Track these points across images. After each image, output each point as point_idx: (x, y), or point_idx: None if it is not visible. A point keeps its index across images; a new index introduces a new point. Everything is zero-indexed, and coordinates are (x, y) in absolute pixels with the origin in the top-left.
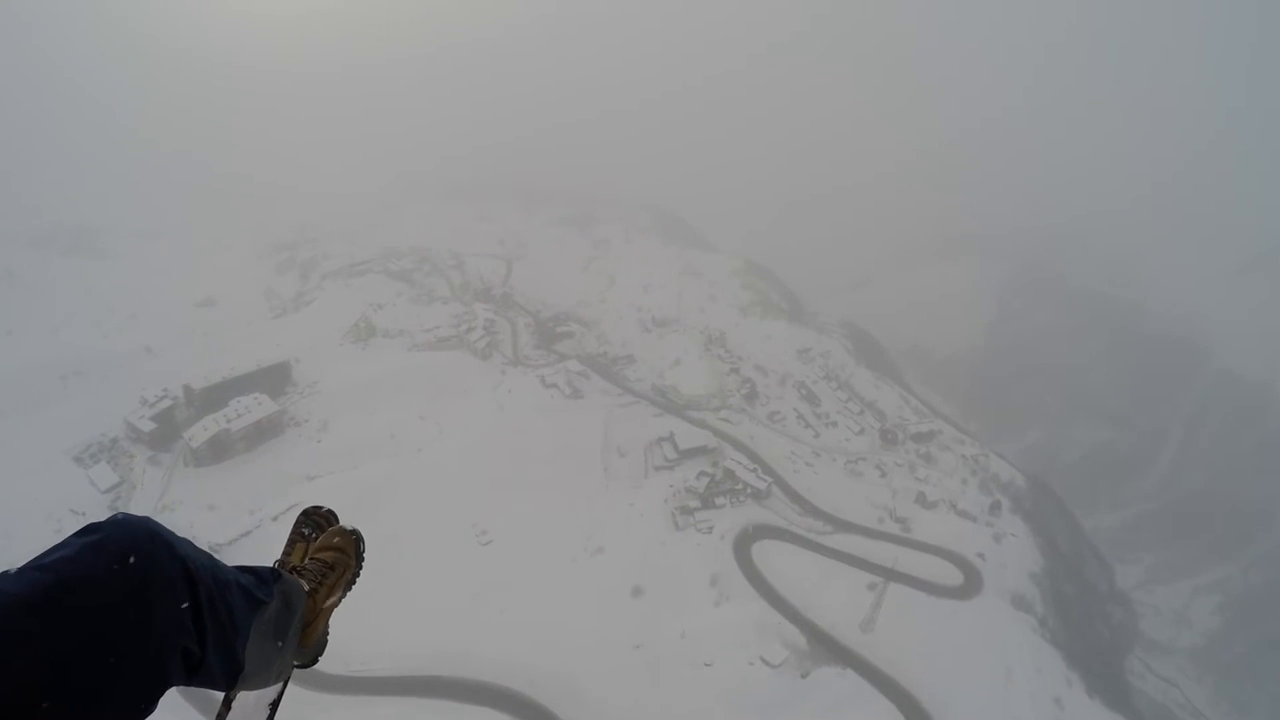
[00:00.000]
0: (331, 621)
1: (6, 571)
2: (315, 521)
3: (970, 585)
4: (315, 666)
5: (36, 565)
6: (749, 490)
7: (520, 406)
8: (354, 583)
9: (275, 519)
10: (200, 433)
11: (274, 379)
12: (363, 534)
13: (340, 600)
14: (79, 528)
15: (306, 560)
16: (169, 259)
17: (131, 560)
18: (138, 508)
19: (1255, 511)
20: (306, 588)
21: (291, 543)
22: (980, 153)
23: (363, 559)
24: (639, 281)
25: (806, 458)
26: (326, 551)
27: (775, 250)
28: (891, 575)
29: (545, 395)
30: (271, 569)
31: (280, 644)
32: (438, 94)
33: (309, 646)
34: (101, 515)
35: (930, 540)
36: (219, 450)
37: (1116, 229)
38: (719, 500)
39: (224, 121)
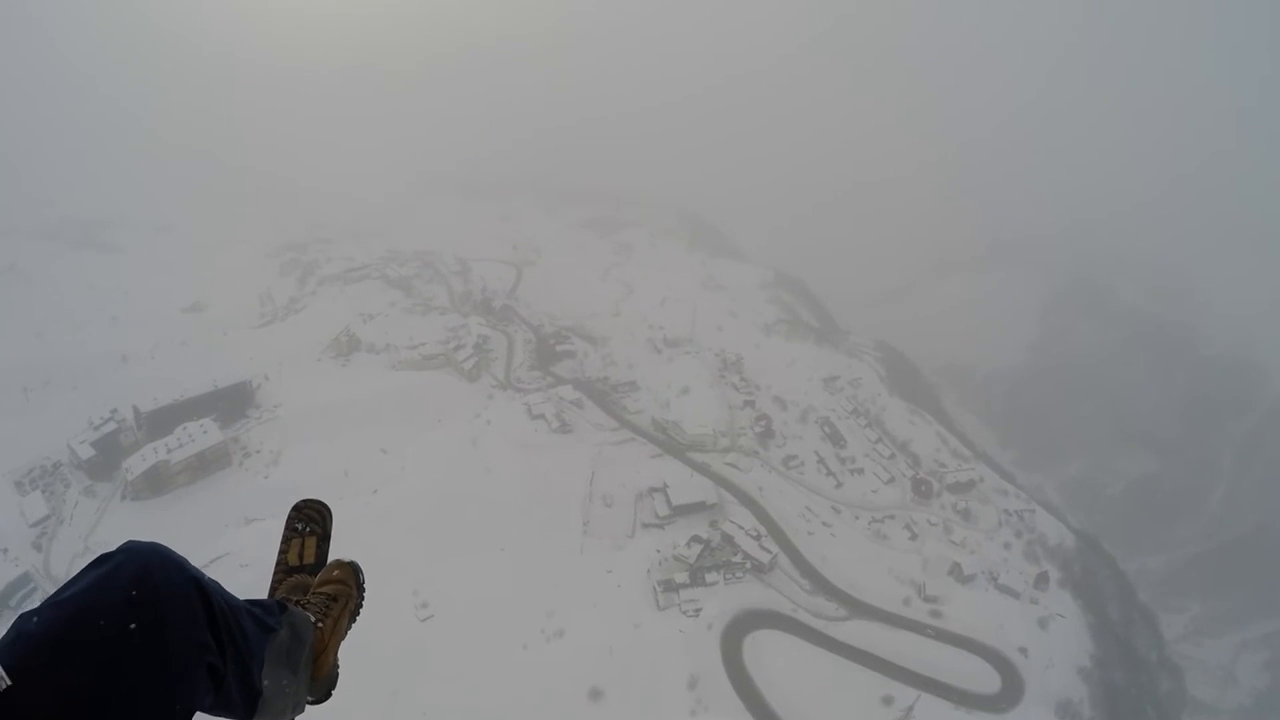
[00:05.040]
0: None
1: (29, 613)
2: (308, 515)
3: (1009, 692)
4: None
5: (53, 603)
6: (749, 564)
7: (497, 441)
8: (358, 613)
9: (204, 568)
10: (138, 463)
11: (232, 401)
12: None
13: (347, 631)
14: (91, 560)
15: (310, 595)
16: (174, 255)
17: (144, 586)
18: (61, 547)
19: None
20: (313, 619)
21: (287, 539)
22: (1016, 151)
23: (363, 589)
24: (657, 293)
25: (824, 515)
26: (328, 585)
27: (805, 256)
28: (914, 681)
29: (529, 428)
30: (277, 601)
31: (293, 674)
32: (464, 92)
33: (321, 679)
34: (25, 552)
35: (964, 629)
36: (157, 483)
37: (1164, 236)
38: (711, 576)
39: (246, 119)
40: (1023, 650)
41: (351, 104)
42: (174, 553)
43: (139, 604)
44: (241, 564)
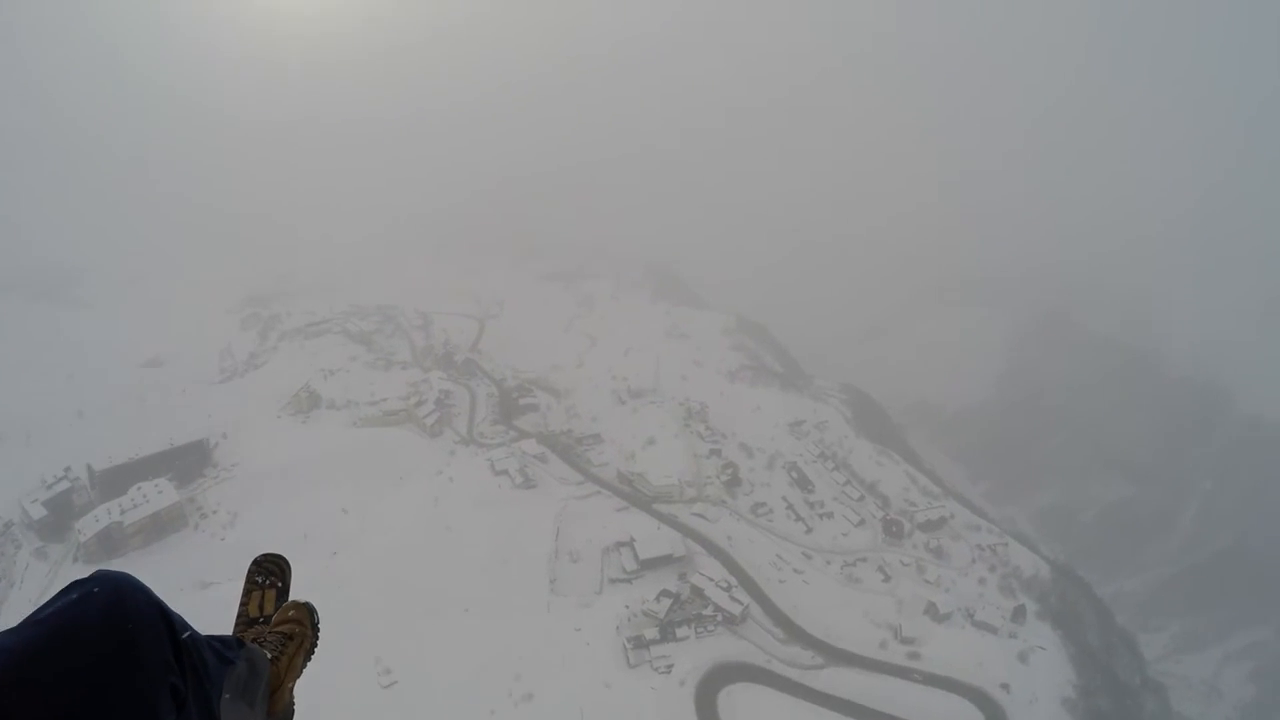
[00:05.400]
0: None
1: (8, 631)
2: (268, 569)
3: None
4: None
5: (33, 621)
6: (720, 616)
7: (460, 499)
8: (313, 652)
9: None
10: (91, 524)
11: (189, 459)
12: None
13: (302, 669)
14: (63, 587)
15: (266, 635)
16: (136, 308)
17: (117, 608)
18: (10, 611)
19: None
20: (269, 655)
21: (248, 592)
22: (984, 195)
23: (318, 629)
24: (621, 344)
25: (795, 562)
26: (284, 624)
27: (772, 303)
28: None
29: (492, 484)
30: (235, 637)
31: (250, 707)
32: (433, 147)
33: (277, 713)
34: None
35: (944, 669)
36: (110, 545)
37: (1130, 267)
38: (682, 630)
39: (222, 165)
40: (1005, 686)
41: (329, 155)
42: (141, 582)
43: (114, 624)
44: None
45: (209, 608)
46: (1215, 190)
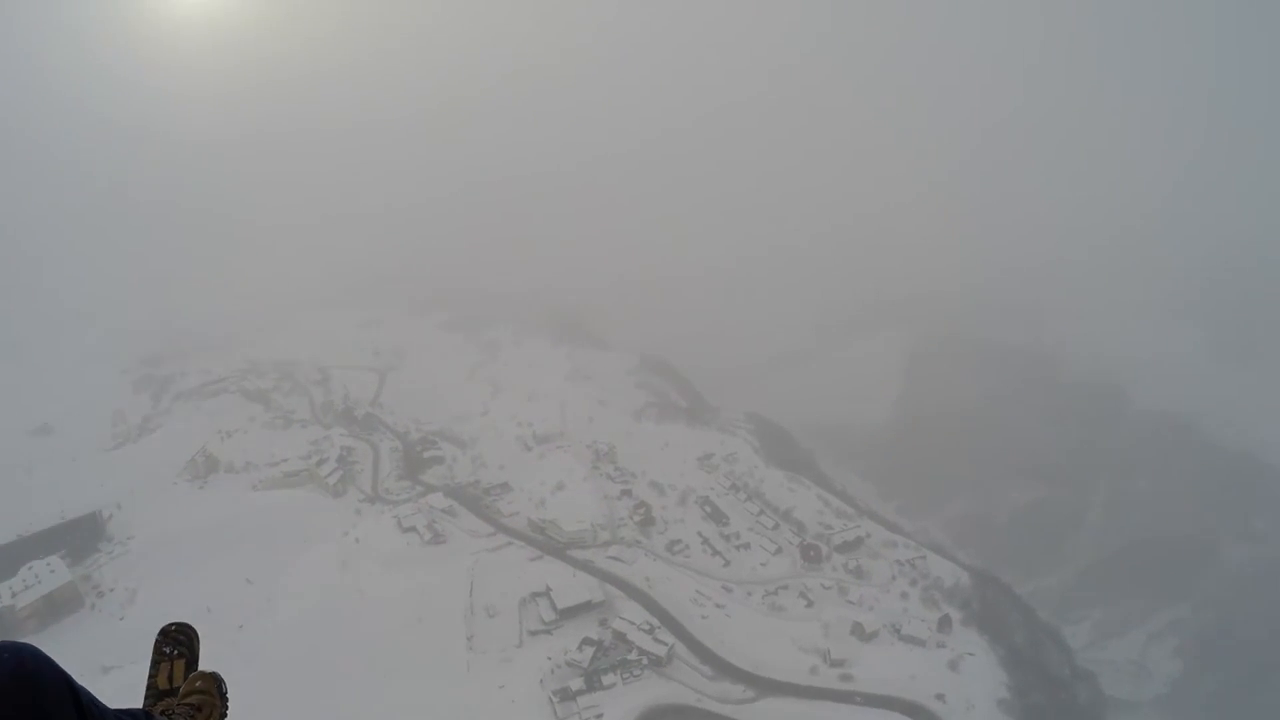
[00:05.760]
0: None
1: None
2: (176, 639)
3: None
4: None
5: None
6: (646, 659)
7: (368, 560)
8: None
9: None
10: None
11: (82, 533)
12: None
13: None
14: None
15: (175, 706)
16: (19, 374)
17: (24, 677)
18: None
19: (1196, 548)
20: None
21: (156, 664)
22: (890, 224)
23: (227, 699)
24: (525, 390)
25: (716, 597)
26: (192, 695)
27: (675, 339)
28: None
29: (401, 542)
30: (144, 711)
31: None
32: (329, 196)
33: None
34: None
35: (877, 687)
36: (2, 630)
37: (1027, 283)
38: (608, 678)
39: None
40: (940, 697)
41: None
42: (45, 653)
43: (21, 686)
44: None
45: (112, 693)
46: (1103, 204)
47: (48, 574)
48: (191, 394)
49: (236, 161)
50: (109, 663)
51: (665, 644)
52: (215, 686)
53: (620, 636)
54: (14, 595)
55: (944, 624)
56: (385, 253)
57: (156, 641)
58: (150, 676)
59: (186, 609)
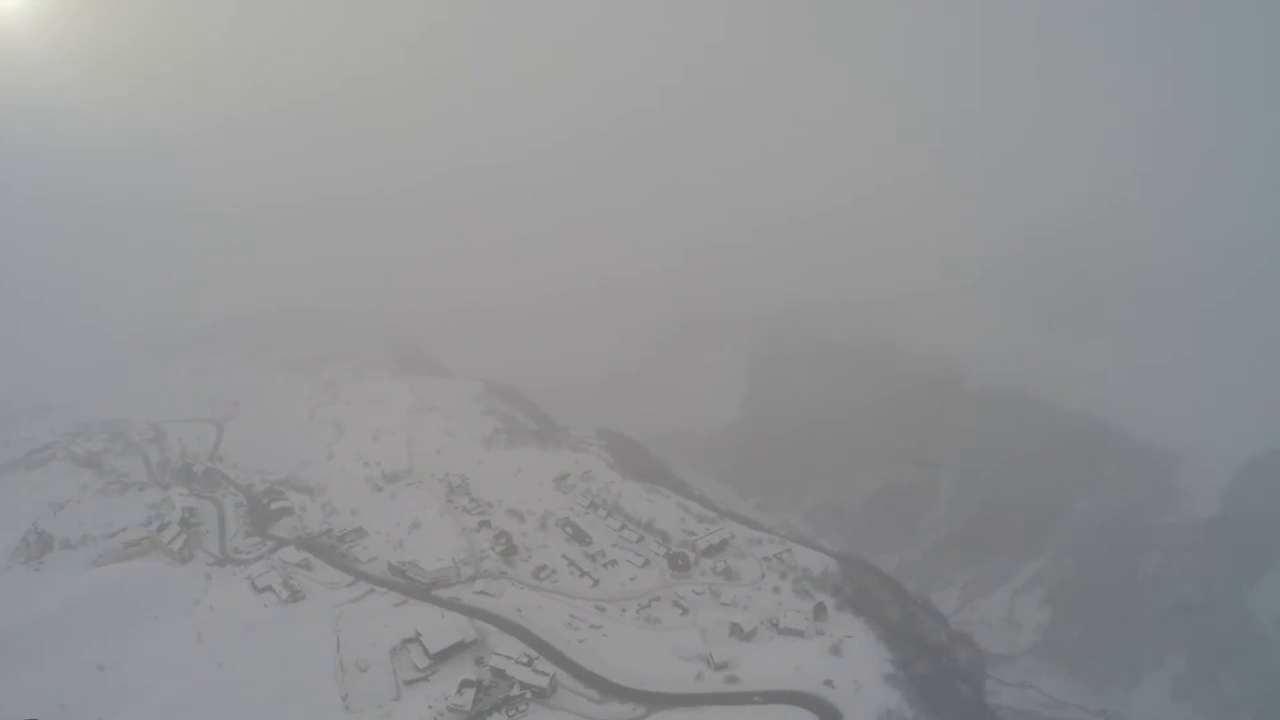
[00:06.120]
0: None
1: None
2: None
3: None
4: None
5: None
6: (529, 693)
7: (225, 628)
8: None
9: None
10: None
11: None
12: None
13: None
14: None
15: None
16: None
17: None
18: None
19: (1047, 505)
20: None
21: None
22: (717, 245)
23: None
24: (369, 427)
25: (591, 618)
26: None
27: (519, 362)
28: None
29: (257, 604)
30: None
31: None
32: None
33: None
34: None
35: (766, 684)
36: None
37: (861, 283)
38: (493, 718)
39: None
40: (828, 683)
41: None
42: None
43: None
44: None
45: None
46: (925, 200)
47: None
48: (15, 465)
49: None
50: None
51: (546, 674)
52: None
53: (499, 673)
54: None
55: (819, 612)
56: (212, 293)
57: None
58: None
59: (36, 707)
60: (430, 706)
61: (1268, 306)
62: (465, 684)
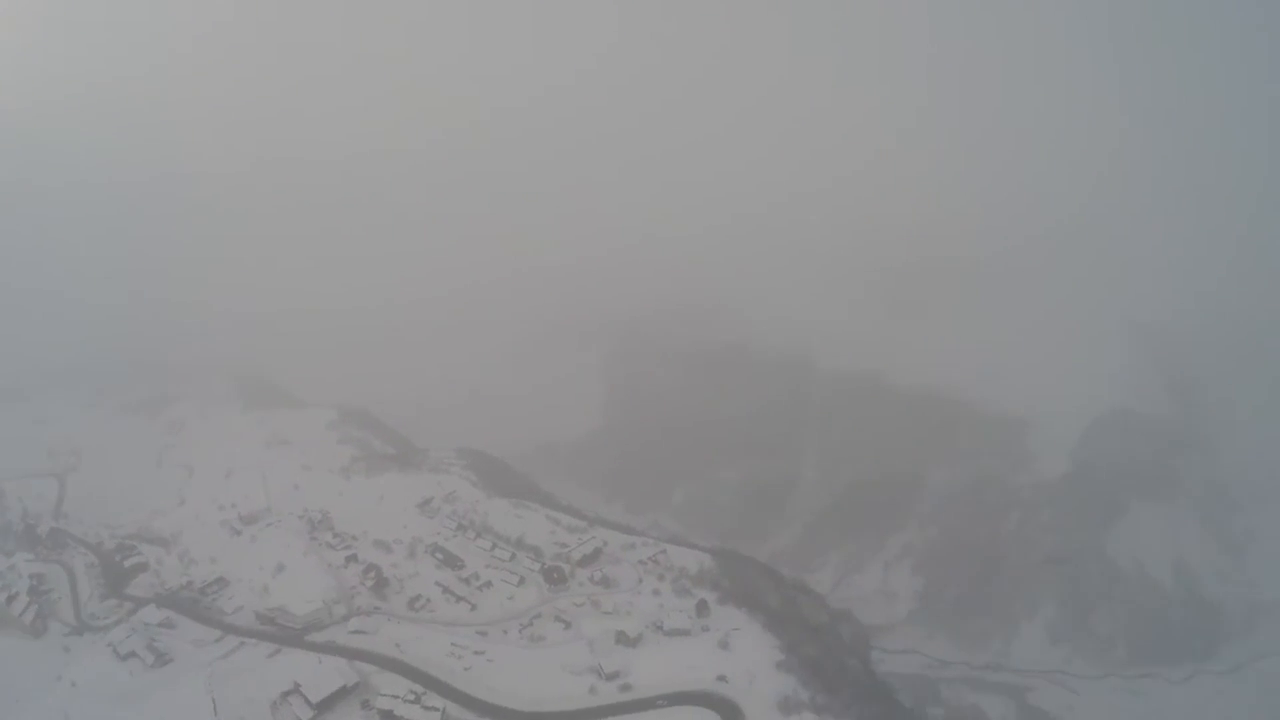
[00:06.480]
0: None
1: None
2: None
3: None
4: None
5: None
6: None
7: (91, 705)
8: None
9: None
10: None
11: None
12: None
13: None
14: None
15: None
16: None
17: None
18: None
19: (907, 479)
20: None
21: None
22: (558, 251)
23: None
24: (221, 467)
25: (473, 644)
26: None
27: (371, 386)
28: None
29: (123, 673)
30: None
31: None
32: None
33: None
34: None
35: (660, 688)
36: None
37: (710, 284)
38: None
39: None
40: (722, 678)
41: None
42: None
43: None
44: None
45: None
46: (767, 201)
47: None
48: None
49: None
50: None
51: (436, 709)
52: None
53: (387, 715)
54: None
55: (702, 609)
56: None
57: None
58: None
59: None
60: None
61: (1100, 283)
62: None
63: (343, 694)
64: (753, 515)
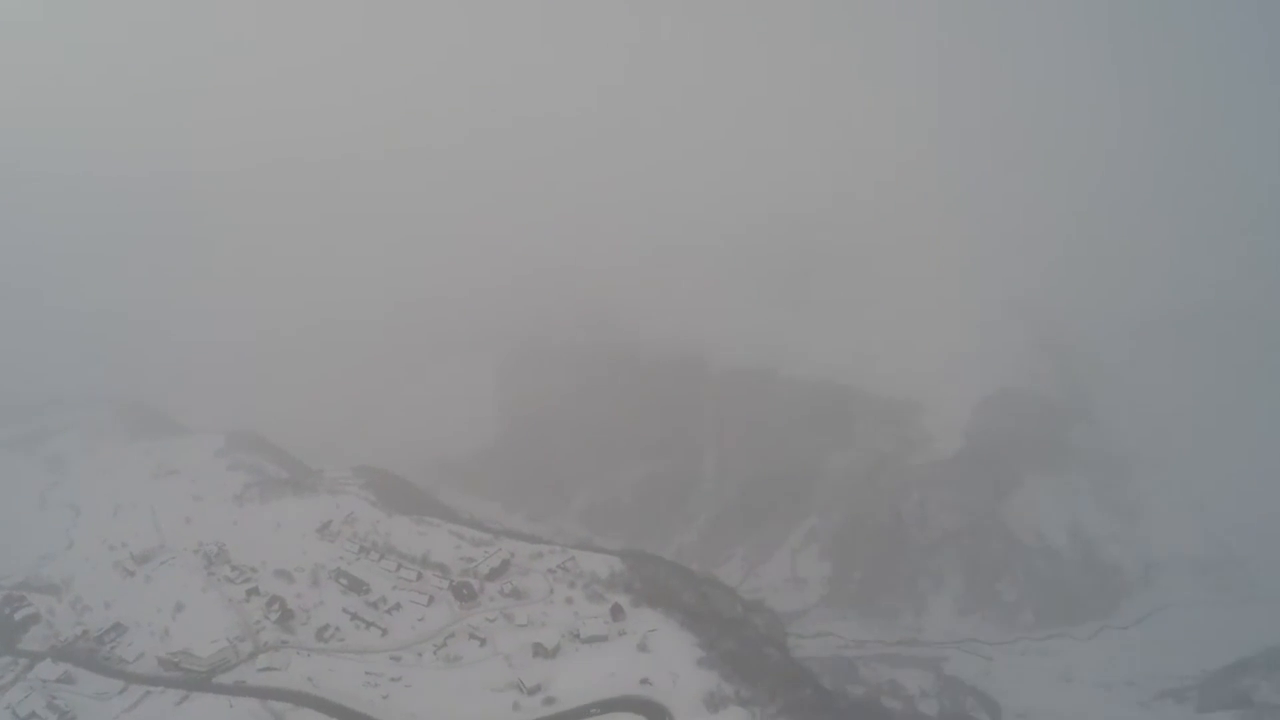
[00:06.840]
0: None
1: None
2: None
3: None
4: None
5: None
6: None
7: None
8: None
9: None
10: None
11: None
12: None
13: None
14: None
15: None
16: None
17: None
18: None
19: (806, 468)
20: None
21: None
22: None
23: None
24: (108, 503)
25: (389, 671)
26: None
27: (257, 406)
28: None
29: None
30: None
31: None
32: None
33: None
34: None
35: (584, 697)
36: None
37: (598, 286)
38: None
39: None
40: (645, 681)
41: None
42: None
43: None
44: None
45: None
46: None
47: None
48: None
49: None
50: None
51: None
52: None
53: None
54: None
55: (616, 613)
56: None
57: None
58: None
59: None
60: None
61: (980, 266)
62: None
63: None
64: (656, 514)
